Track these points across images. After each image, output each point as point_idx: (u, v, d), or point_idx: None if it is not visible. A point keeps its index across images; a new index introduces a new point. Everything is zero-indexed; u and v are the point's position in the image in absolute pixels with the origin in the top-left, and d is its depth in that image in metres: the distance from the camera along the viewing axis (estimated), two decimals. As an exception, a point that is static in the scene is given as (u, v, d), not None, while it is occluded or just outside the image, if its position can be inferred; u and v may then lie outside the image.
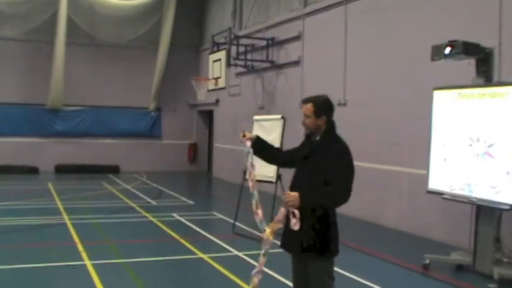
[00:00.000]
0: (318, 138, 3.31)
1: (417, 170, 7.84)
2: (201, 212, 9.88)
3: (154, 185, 13.50)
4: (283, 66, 12.13)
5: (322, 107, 3.30)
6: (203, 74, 16.32)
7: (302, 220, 3.11)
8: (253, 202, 3.20)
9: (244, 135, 3.41)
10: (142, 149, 17.09)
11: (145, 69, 16.86)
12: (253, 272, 3.18)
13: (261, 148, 3.47)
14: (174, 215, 9.19)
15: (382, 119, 8.85)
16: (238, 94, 14.56)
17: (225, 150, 15.30)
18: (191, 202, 10.94)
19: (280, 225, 3.17)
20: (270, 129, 7.84)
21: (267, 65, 12.68)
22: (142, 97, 16.94)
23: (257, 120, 8.20)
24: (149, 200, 10.99)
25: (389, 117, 8.69)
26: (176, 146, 17.58)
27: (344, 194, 3.09)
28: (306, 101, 3.32)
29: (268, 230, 3.10)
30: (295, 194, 3.03)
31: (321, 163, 3.15)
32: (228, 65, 13.27)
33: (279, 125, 7.72)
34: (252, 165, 3.37)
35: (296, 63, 11.55)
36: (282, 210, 3.11)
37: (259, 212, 3.15)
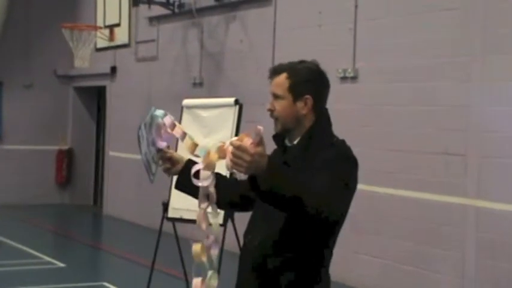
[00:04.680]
0: (295, 141, 3.41)
1: (496, 204, 7.90)
2: (81, 282, 9.86)
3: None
4: (240, 4, 12.15)
5: (306, 79, 3.39)
6: (86, 18, 16.13)
7: (267, 269, 3.27)
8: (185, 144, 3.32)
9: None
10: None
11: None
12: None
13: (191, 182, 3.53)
14: (28, 290, 9.16)
15: (425, 104, 8.91)
16: (155, 58, 14.52)
17: (129, 164, 15.12)
18: (61, 264, 10.90)
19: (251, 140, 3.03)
20: (213, 123, 7.82)
21: (210, 2, 12.63)
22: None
23: (189, 107, 8.18)
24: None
25: (438, 100, 8.74)
26: (32, 156, 17.40)
27: (326, 199, 3.08)
28: (276, 70, 3.45)
29: (212, 154, 3.13)
30: (258, 151, 2.93)
31: None
32: (135, 2, 13.09)
33: (229, 116, 7.70)
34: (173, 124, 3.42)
35: (264, -1, 11.58)
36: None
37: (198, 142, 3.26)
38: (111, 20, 14.27)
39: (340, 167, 3.22)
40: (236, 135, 7.54)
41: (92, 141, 17.86)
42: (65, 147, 17.64)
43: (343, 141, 3.39)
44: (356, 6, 9.81)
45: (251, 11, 11.88)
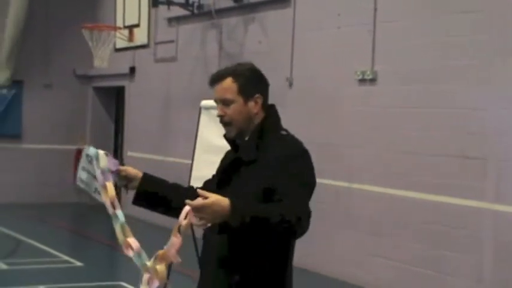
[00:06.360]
0: (247, 138, 3.52)
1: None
2: (98, 281, 9.91)
3: (5, 231, 13.42)
4: (259, 6, 12.18)
5: (253, 79, 3.57)
6: (105, 19, 16.22)
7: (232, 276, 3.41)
8: (117, 227, 3.52)
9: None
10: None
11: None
12: None
13: (151, 194, 3.89)
14: (44, 288, 9.17)
15: (443, 106, 8.90)
16: (174, 58, 14.56)
17: (147, 163, 15.09)
18: (78, 263, 10.96)
19: (175, 260, 3.40)
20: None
21: (229, 3, 12.66)
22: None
23: (207, 108, 8.16)
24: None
25: (456, 102, 8.73)
26: (51, 155, 17.50)
27: (297, 213, 3.17)
28: (218, 76, 3.60)
29: (158, 267, 3.36)
30: (214, 201, 3.12)
31: (251, 179, 3.33)
32: (154, 3, 13.12)
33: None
34: (104, 173, 3.61)
35: (283, 0, 11.57)
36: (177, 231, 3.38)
37: (132, 241, 3.45)
38: (131, 20, 14.32)
39: (294, 166, 3.31)
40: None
41: (110, 141, 17.91)
42: (84, 146, 17.64)
43: (293, 136, 3.48)
44: (375, 9, 9.82)
45: (270, 12, 11.91)
